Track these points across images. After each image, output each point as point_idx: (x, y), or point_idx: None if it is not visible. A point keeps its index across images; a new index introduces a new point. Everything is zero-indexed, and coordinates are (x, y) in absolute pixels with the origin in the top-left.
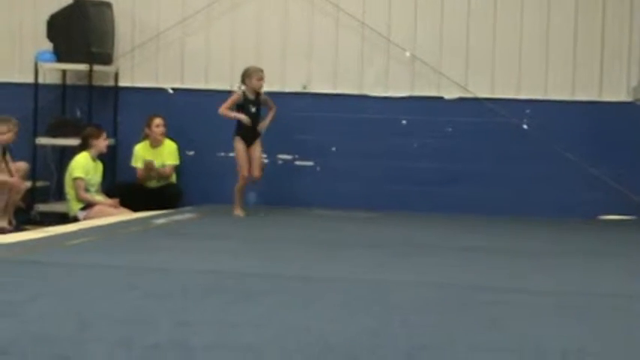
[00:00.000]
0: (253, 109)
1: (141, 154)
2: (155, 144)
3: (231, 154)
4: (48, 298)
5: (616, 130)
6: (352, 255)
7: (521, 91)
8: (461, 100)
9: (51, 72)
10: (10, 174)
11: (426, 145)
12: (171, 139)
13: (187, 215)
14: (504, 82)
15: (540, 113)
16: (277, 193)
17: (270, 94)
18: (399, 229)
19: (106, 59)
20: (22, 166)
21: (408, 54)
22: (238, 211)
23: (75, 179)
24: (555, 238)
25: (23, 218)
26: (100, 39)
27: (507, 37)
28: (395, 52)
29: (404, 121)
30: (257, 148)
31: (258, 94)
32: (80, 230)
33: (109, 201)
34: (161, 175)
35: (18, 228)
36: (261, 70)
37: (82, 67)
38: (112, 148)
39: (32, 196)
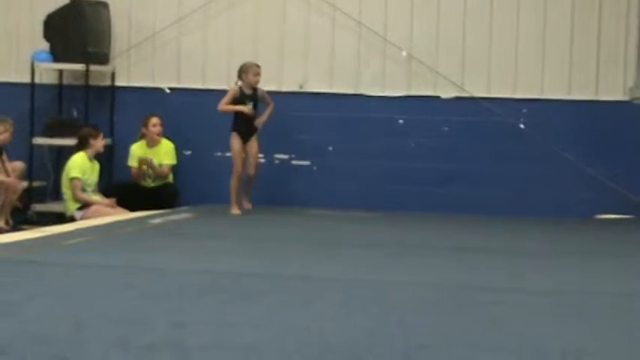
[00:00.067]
0: (250, 105)
1: (137, 153)
2: (152, 144)
3: (228, 154)
4: (45, 298)
5: (613, 130)
6: (350, 255)
7: (518, 91)
8: (457, 99)
9: (47, 72)
10: (7, 174)
11: (422, 145)
12: (168, 138)
13: (184, 215)
14: (501, 81)
15: (537, 113)
16: (274, 193)
17: (267, 93)
18: (396, 229)
19: (103, 59)
20: (19, 166)
21: (404, 53)
22: (235, 210)
23: (72, 179)
24: (552, 238)
25: (20, 218)
26: (96, 39)
27: (504, 36)
28: (391, 51)
29: (400, 121)
30: (253, 145)
31: (254, 89)
32: (77, 230)
33: (106, 201)
34: (158, 175)
35: (15, 228)
36: (258, 66)
37: (79, 66)
38: (108, 148)
39: (29, 196)
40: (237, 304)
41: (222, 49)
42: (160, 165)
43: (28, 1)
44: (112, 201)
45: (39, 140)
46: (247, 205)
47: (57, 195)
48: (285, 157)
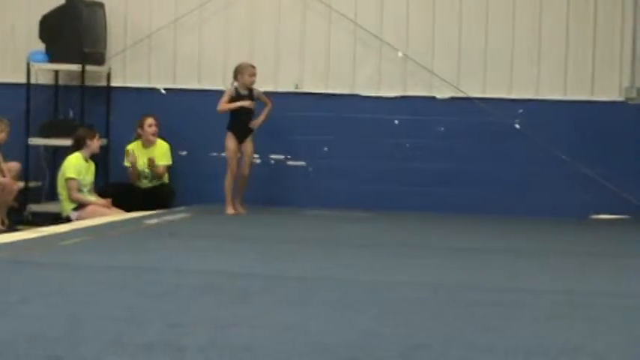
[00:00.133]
0: (246, 106)
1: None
2: (147, 144)
3: (224, 154)
4: (41, 299)
5: (608, 130)
6: (346, 255)
7: (513, 91)
8: (453, 99)
9: (43, 72)
10: (3, 174)
11: (418, 145)
12: (164, 139)
13: (180, 215)
14: (496, 81)
15: (532, 113)
16: (269, 194)
17: (263, 93)
18: (392, 229)
19: (99, 59)
20: (15, 166)
21: (400, 54)
22: (230, 210)
23: (67, 179)
24: (549, 238)
25: (16, 218)
26: (92, 39)
27: (499, 36)
28: (387, 52)
29: (396, 121)
30: (249, 145)
31: (250, 90)
32: (73, 230)
33: (102, 201)
34: (154, 175)
35: (11, 228)
36: (253, 67)
37: (75, 67)
38: (104, 148)
39: (25, 196)
40: (233, 304)
41: (217, 49)
42: (156, 165)
43: (24, 2)
44: (107, 201)
45: (35, 140)
46: (242, 211)
47: (53, 195)
48: (280, 157)
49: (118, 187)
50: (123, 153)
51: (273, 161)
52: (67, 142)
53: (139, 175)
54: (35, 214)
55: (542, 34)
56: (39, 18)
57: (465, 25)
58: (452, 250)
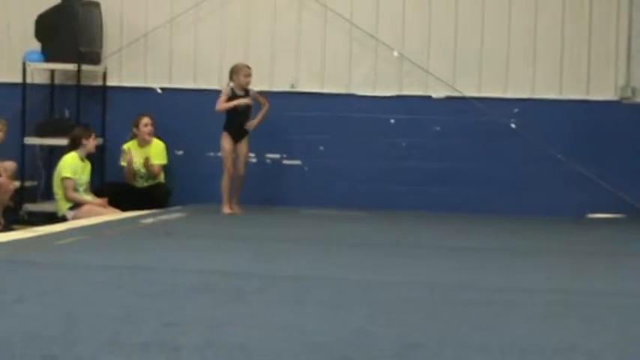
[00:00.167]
0: (242, 107)
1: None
2: (143, 143)
3: (220, 154)
4: (36, 298)
5: (604, 129)
6: (341, 254)
7: (509, 90)
8: (449, 99)
9: (39, 72)
10: None
11: (414, 145)
12: (160, 138)
13: (176, 215)
14: (492, 81)
15: (528, 112)
16: (265, 193)
17: (259, 93)
18: (387, 228)
19: (95, 59)
20: (11, 165)
21: (395, 53)
22: (227, 209)
23: (63, 179)
24: (544, 237)
25: (12, 218)
26: (88, 38)
27: (495, 36)
28: (383, 51)
29: (392, 121)
30: (244, 146)
31: (246, 90)
32: (69, 230)
33: (98, 200)
34: (150, 174)
35: (7, 228)
36: (248, 67)
37: (71, 66)
38: (100, 148)
39: (21, 195)
40: (229, 304)
41: (213, 49)
42: (152, 165)
43: (19, 1)
44: (103, 201)
45: (31, 140)
46: (237, 211)
47: (49, 195)
48: (276, 156)
49: (113, 186)
50: (119, 152)
51: (269, 160)
52: (63, 141)
53: (135, 174)
54: (31, 214)
55: (537, 34)
56: (35, 17)
57: (460, 24)
58: (447, 250)
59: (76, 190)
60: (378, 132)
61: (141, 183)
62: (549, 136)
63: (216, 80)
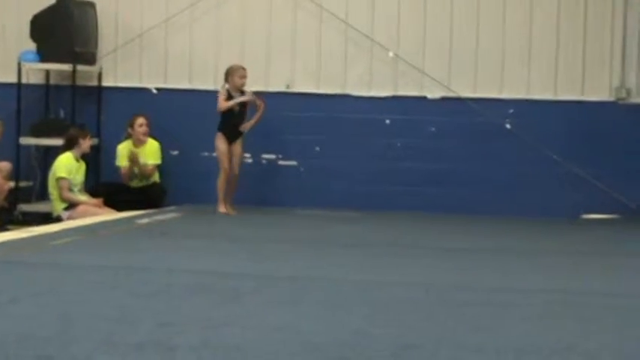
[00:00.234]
0: (237, 108)
1: (124, 153)
2: (138, 143)
3: (215, 154)
4: (31, 298)
5: (599, 130)
6: (337, 255)
7: (504, 91)
8: (444, 99)
9: (34, 72)
10: None
11: (409, 145)
12: (155, 138)
13: (171, 215)
14: (487, 81)
15: (523, 113)
16: (260, 193)
17: (254, 93)
18: (383, 229)
19: (90, 59)
20: (6, 166)
21: (391, 54)
22: (222, 209)
23: (58, 179)
24: (539, 238)
25: (6, 218)
26: (83, 39)
27: (490, 37)
28: (378, 51)
29: (387, 121)
30: (238, 147)
31: (242, 92)
32: (64, 230)
33: (93, 201)
34: (143, 174)
35: (1, 228)
36: (244, 68)
37: (66, 66)
38: (95, 148)
39: (15, 196)
40: (225, 304)
41: (209, 49)
42: (146, 165)
43: (14, 1)
44: (98, 201)
45: (26, 140)
46: (231, 212)
47: (43, 195)
48: (272, 157)
49: (108, 186)
50: (114, 152)
51: (264, 161)
52: (58, 141)
53: (133, 174)
54: (26, 214)
55: (532, 35)
56: (30, 17)
57: (455, 25)
58: (443, 250)
59: (71, 190)
60: (373, 132)
61: (136, 183)
62: (544, 137)
63: (212, 80)
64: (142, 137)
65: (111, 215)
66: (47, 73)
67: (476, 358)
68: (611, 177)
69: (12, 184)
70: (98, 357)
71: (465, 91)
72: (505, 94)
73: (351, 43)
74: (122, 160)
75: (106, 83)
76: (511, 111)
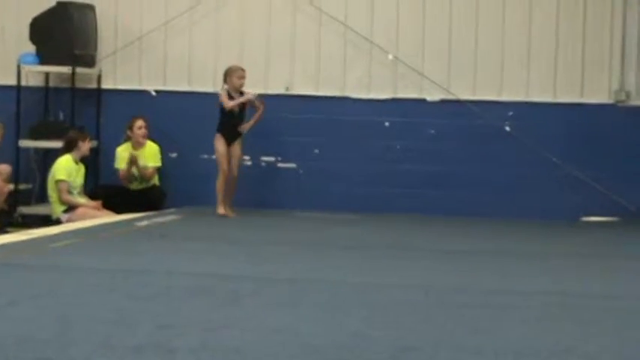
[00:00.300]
0: (237, 109)
1: (123, 156)
2: (137, 146)
3: (214, 157)
4: (30, 301)
5: (598, 133)
6: (336, 257)
7: (504, 93)
8: (443, 102)
9: (34, 74)
10: None
11: (408, 147)
12: (154, 140)
13: (170, 217)
14: (486, 84)
15: (522, 115)
16: (260, 196)
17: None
18: (382, 231)
19: (89, 61)
20: (5, 168)
21: (390, 56)
22: (221, 210)
23: (58, 182)
24: (539, 240)
25: (6, 221)
26: (82, 41)
27: (489, 39)
28: (377, 54)
29: (386, 124)
30: (237, 148)
31: (241, 92)
32: (63, 233)
33: (92, 203)
34: (143, 177)
35: (1, 230)
36: (242, 69)
37: (65, 69)
38: (94, 151)
39: (15, 198)
40: (224, 306)
41: (208, 51)
42: (146, 167)
43: (14, 4)
44: (98, 203)
45: (25, 143)
46: (230, 214)
47: (43, 197)
48: (271, 159)
49: (108, 189)
50: (113, 155)
51: (263, 163)
52: (58, 144)
53: (132, 177)
54: (25, 217)
55: (531, 37)
56: (29, 20)
57: (455, 27)
58: (442, 253)
59: (70, 192)
60: (372, 135)
61: (135, 185)
62: (544, 139)
63: (211, 83)
64: (141, 140)
65: (110, 218)
66: (47, 75)
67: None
68: (611, 179)
69: (11, 186)
70: (97, 359)
71: (465, 93)
72: (504, 97)
73: (351, 45)
74: (121, 163)
75: (105, 86)
76: (510, 113)
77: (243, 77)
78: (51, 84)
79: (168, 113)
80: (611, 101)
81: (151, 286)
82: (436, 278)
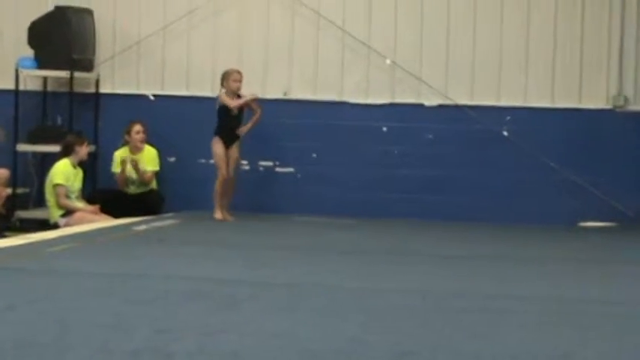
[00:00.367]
0: (234, 112)
1: (120, 160)
2: (135, 150)
3: (212, 161)
4: (28, 305)
5: (596, 138)
6: (334, 262)
7: (501, 98)
8: (441, 107)
9: (32, 78)
10: None
11: (406, 152)
12: (152, 145)
13: (168, 221)
14: (484, 89)
15: (520, 120)
16: (258, 200)
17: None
18: (380, 236)
19: (87, 66)
20: (4, 173)
21: (388, 61)
22: (218, 215)
23: (55, 186)
24: (537, 245)
25: (3, 225)
26: (81, 46)
27: (487, 44)
28: (375, 59)
29: (384, 128)
30: (234, 151)
31: (238, 96)
32: (61, 237)
33: (90, 207)
34: (142, 181)
35: None
36: (238, 72)
37: (63, 73)
38: (92, 155)
39: (13, 202)
40: (222, 311)
41: (206, 56)
42: (144, 172)
43: (12, 8)
44: (95, 208)
45: (23, 147)
46: (229, 217)
47: (41, 202)
48: (269, 164)
49: (106, 193)
50: (111, 159)
51: (261, 168)
52: (56, 148)
53: (127, 181)
54: (23, 221)
55: (529, 42)
56: (27, 24)
57: (452, 32)
58: (440, 258)
59: (68, 197)
60: (370, 140)
61: (133, 190)
62: (542, 144)
63: (209, 87)
64: (138, 144)
65: (108, 222)
66: (45, 79)
67: None
68: (609, 185)
69: (9, 190)
70: None
71: (463, 98)
72: (502, 102)
73: (349, 50)
74: (117, 167)
75: (103, 90)
76: (508, 118)
77: (238, 80)
78: (49, 88)
79: (167, 118)
80: (609, 106)
81: (148, 291)
82: (434, 283)
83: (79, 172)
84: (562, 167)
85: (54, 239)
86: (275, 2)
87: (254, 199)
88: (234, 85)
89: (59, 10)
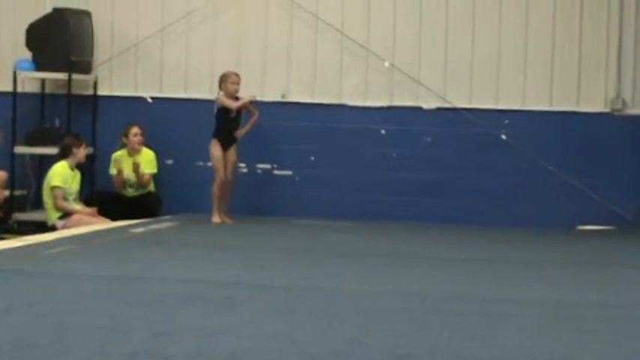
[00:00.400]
0: (233, 114)
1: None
2: (133, 152)
3: (210, 164)
4: (26, 307)
5: (594, 141)
6: (332, 264)
7: (500, 102)
8: (439, 110)
9: (30, 80)
10: None
11: (404, 155)
12: (150, 147)
13: (166, 224)
14: (483, 92)
15: (519, 123)
16: (255, 203)
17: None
18: (378, 239)
19: (85, 68)
20: (1, 175)
21: (386, 64)
22: (217, 219)
23: (53, 188)
24: (535, 249)
25: (1, 227)
26: (79, 48)
27: (485, 47)
28: (374, 61)
29: (382, 131)
30: (232, 153)
31: (236, 98)
32: (58, 239)
33: (88, 210)
34: (140, 183)
35: None
36: (236, 75)
37: (61, 75)
38: (90, 157)
39: (10, 204)
40: (219, 313)
41: (204, 58)
42: (143, 174)
43: (10, 10)
44: (93, 210)
45: (21, 149)
46: (227, 220)
47: (38, 204)
48: (267, 166)
49: (103, 195)
50: (109, 162)
51: (259, 170)
52: (53, 150)
53: (125, 183)
54: (21, 223)
55: (528, 46)
56: (25, 26)
57: (451, 35)
58: (438, 261)
59: (65, 199)
60: (368, 142)
61: (131, 192)
62: (540, 148)
63: (207, 90)
64: (136, 147)
65: (105, 224)
66: (43, 81)
67: None
68: (607, 188)
69: (7, 192)
70: None
71: (461, 101)
72: (501, 105)
73: (347, 53)
74: (113, 169)
75: (101, 92)
76: (506, 121)
77: (235, 83)
78: (47, 90)
79: (165, 120)
80: (607, 109)
81: (146, 293)
82: (432, 286)
83: (77, 175)
84: (560, 171)
85: (52, 241)
86: (273, 4)
87: (252, 201)
88: (232, 88)
89: (57, 12)
